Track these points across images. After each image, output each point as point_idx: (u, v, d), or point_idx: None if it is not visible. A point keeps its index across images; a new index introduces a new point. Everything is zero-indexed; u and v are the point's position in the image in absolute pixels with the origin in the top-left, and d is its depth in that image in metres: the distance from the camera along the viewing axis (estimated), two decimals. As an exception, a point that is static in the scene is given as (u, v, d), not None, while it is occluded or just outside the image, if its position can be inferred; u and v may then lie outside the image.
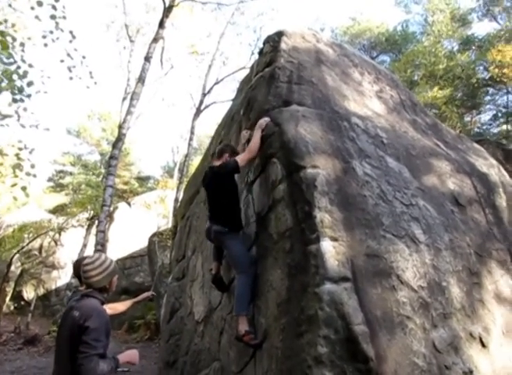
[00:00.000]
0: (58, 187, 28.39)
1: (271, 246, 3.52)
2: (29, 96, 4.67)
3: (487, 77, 19.96)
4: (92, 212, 13.42)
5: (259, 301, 3.56)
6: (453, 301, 3.55)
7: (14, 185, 4.92)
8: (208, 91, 13.59)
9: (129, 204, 18.01)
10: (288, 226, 3.35)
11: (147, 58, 8.92)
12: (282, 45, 4.69)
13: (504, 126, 23.31)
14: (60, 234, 15.56)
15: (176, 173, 20.75)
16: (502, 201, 5.19)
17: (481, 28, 45.59)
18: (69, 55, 5.00)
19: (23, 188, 4.73)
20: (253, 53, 14.55)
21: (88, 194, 12.41)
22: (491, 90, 22.09)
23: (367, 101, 4.84)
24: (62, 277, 16.27)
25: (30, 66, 4.67)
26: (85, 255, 13.01)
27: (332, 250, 3.02)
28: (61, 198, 27.81)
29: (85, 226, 13.75)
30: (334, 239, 3.09)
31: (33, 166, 4.79)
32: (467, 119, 22.37)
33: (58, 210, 24.30)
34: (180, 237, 6.65)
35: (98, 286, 2.64)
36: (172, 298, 6.19)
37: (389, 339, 2.87)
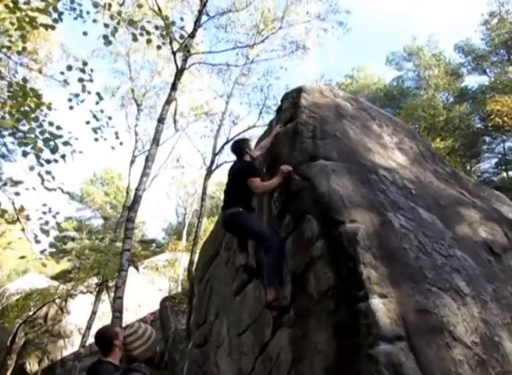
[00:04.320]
0: (61, 252, 28.05)
1: (312, 306, 3.36)
2: (63, 157, 4.73)
3: (483, 127, 20.52)
4: (101, 277, 13.07)
5: (302, 365, 3.34)
6: (509, 358, 3.33)
7: (23, 258, 4.87)
8: (219, 151, 13.84)
9: (137, 268, 17.66)
10: (330, 284, 3.21)
11: (161, 120, 9.11)
12: (303, 101, 4.76)
13: (504, 174, 23.59)
14: (66, 301, 15.08)
15: (185, 235, 20.63)
16: (533, 247, 5.07)
17: (473, 80, 47.26)
18: (95, 116, 5.09)
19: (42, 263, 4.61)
20: (261, 112, 14.94)
21: (98, 259, 12.17)
22: (488, 139, 22.63)
23: (389, 153, 4.85)
24: (68, 347, 15.57)
25: (59, 128, 4.72)
26: (93, 322, 12.56)
27: (382, 307, 2.87)
28: (64, 265, 27.44)
29: (94, 293, 13.35)
30: (383, 296, 2.94)
31: (60, 229, 4.76)
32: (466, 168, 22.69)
33: (60, 277, 23.85)
34: (200, 301, 6.41)
35: (144, 357, 2.46)
36: (194, 365, 5.86)
37: (452, 402, 2.66)
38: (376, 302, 2.88)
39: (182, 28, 6.09)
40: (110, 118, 5.16)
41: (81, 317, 14.52)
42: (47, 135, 4.46)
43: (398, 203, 3.95)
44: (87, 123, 5.13)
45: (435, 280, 3.39)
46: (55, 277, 23.56)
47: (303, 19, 13.28)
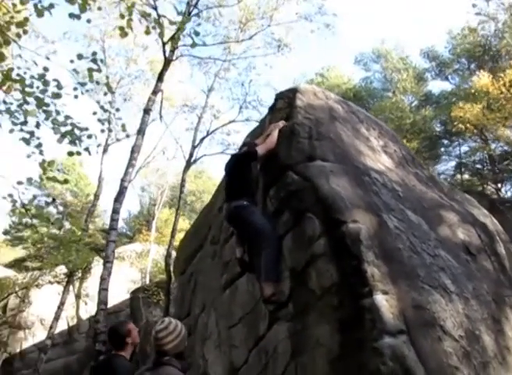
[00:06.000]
0: (17, 240, 27.06)
1: (313, 302, 3.52)
2: (87, 149, 4.68)
3: (443, 131, 21.59)
4: (71, 267, 12.68)
5: (302, 358, 3.50)
6: (487, 350, 3.64)
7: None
8: (198, 144, 13.79)
9: (103, 258, 17.29)
10: (333, 280, 3.38)
11: (147, 111, 9.05)
12: (298, 102, 4.88)
13: (459, 176, 24.81)
14: (29, 291, 14.60)
15: (154, 226, 20.44)
16: (501, 248, 5.46)
17: (436, 86, 48.99)
18: (102, 107, 5.03)
19: None
20: (241, 107, 15.02)
21: (69, 248, 11.83)
22: (446, 142, 23.78)
23: (377, 155, 5.07)
24: (29, 339, 15.09)
25: (68, 117, 4.63)
26: (61, 312, 12.25)
27: (385, 303, 3.08)
28: (17, 253, 26.46)
29: (62, 283, 12.99)
30: (385, 292, 3.15)
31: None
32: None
33: (14, 265, 23.04)
34: (183, 294, 6.47)
35: (175, 351, 2.54)
36: (176, 357, 5.93)
37: (447, 392, 2.91)
38: (380, 298, 3.08)
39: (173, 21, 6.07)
40: (118, 109, 5.10)
41: (43, 308, 14.16)
42: (69, 127, 4.39)
43: (390, 205, 4.18)
44: (94, 113, 5.07)
45: (426, 278, 3.64)
46: (8, 266, 22.73)
47: (290, 19, 13.51)
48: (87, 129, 4.60)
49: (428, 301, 3.42)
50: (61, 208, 27.61)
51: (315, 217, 3.75)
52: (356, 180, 4.18)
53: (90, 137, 4.67)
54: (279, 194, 4.34)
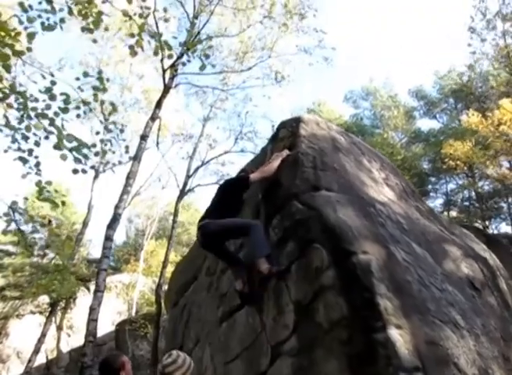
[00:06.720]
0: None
1: (320, 336, 3.36)
2: (93, 167, 4.55)
3: (432, 168, 21.97)
4: (56, 297, 12.18)
5: (309, 396, 3.31)
6: (501, 390, 3.50)
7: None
8: (192, 174, 13.71)
9: (88, 289, 16.76)
10: (343, 314, 3.23)
11: (144, 137, 8.98)
12: (302, 131, 4.87)
13: (446, 213, 25.02)
14: (7, 321, 13.92)
15: (142, 257, 20.00)
16: (503, 284, 5.39)
17: (424, 124, 50.27)
18: (106, 127, 4.95)
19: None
20: (237, 138, 15.08)
21: (53, 277, 11.38)
22: (433, 179, 24.16)
23: (380, 187, 5.04)
24: (3, 374, 14.28)
25: (70, 135, 4.51)
26: (42, 345, 11.70)
27: (400, 338, 2.94)
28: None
29: (45, 313, 12.43)
30: (398, 327, 3.02)
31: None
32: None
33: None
34: (174, 327, 6.21)
35: None
36: (167, 394, 5.61)
37: None
38: (394, 333, 2.94)
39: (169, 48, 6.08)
40: (122, 131, 5.02)
41: (21, 340, 13.48)
42: (75, 143, 4.28)
43: (396, 237, 4.09)
44: (97, 133, 4.98)
45: (437, 313, 3.52)
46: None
47: (290, 52, 13.80)
48: (94, 146, 4.50)
49: (440, 337, 3.29)
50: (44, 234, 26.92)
51: (322, 247, 3.63)
52: (361, 210, 4.10)
53: (97, 154, 4.57)
54: (283, 224, 4.24)
